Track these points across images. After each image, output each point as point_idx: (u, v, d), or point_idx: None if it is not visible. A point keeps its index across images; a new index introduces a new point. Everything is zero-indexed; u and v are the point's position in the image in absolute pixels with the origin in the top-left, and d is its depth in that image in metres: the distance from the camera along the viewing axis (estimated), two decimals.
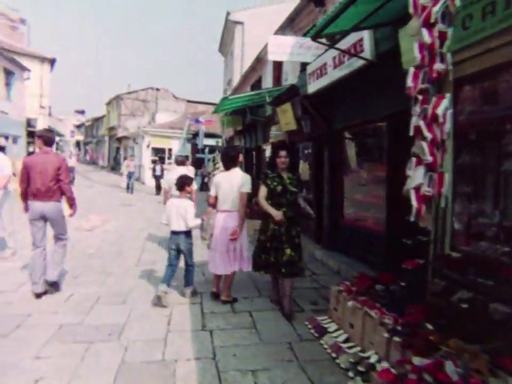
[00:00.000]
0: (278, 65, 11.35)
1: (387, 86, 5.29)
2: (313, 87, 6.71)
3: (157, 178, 20.58)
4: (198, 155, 25.57)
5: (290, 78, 10.06)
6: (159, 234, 9.66)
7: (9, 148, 17.61)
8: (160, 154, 27.22)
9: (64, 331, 4.07)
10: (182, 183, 5.20)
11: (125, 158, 27.90)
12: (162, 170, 20.44)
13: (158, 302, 4.89)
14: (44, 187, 5.03)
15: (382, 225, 6.01)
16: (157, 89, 39.36)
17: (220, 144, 23.88)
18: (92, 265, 6.68)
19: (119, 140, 38.35)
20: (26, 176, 5.04)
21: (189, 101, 38.91)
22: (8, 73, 17.43)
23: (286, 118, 8.67)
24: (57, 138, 45.81)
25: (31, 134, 24.59)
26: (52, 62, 26.25)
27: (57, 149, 40.74)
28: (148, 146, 27.26)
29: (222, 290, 5.14)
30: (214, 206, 5.17)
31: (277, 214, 4.50)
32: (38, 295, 5.04)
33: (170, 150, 27.84)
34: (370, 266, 6.10)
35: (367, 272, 5.06)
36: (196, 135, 26.07)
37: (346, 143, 7.32)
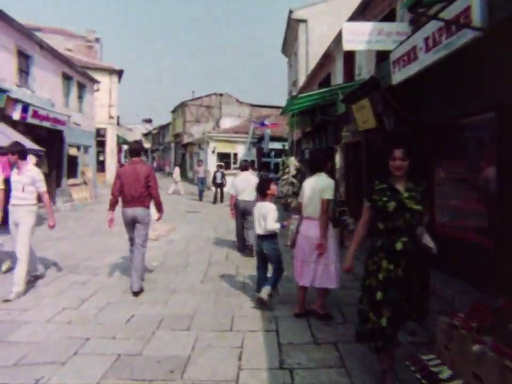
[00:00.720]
0: (349, 59, 10.46)
1: (500, 67, 4.27)
2: (399, 76, 5.76)
3: (218, 186, 18.93)
4: (264, 159, 25.11)
5: (364, 72, 9.14)
6: (227, 244, 9.15)
7: (81, 158, 18.16)
8: (225, 160, 27.13)
9: (121, 363, 3.55)
10: (261, 187, 5.14)
11: (180, 165, 27.30)
12: (223, 177, 18.98)
13: (261, 304, 4.88)
14: (136, 194, 5.57)
15: (489, 235, 4.96)
16: (221, 95, 39.57)
17: (286, 147, 23.22)
18: (155, 281, 6.22)
19: (185, 146, 38.97)
20: (119, 185, 5.66)
21: (252, 105, 38.78)
22: (81, 87, 17.97)
23: (364, 115, 7.77)
24: (126, 147, 47.84)
25: (100, 144, 25.54)
26: (120, 73, 27.07)
27: (125, 156, 42.23)
28: (213, 151, 27.22)
29: (316, 301, 4.76)
30: (299, 211, 4.87)
31: (346, 264, 3.36)
32: (135, 293, 5.51)
33: (235, 155, 27.64)
34: (469, 283, 5.22)
35: (467, 290, 4.08)
36: (261, 139, 25.63)
37: (438, 140, 6.27)
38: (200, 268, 7.02)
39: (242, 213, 8.08)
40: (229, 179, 19.60)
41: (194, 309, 4.99)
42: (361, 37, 6.43)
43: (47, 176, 14.67)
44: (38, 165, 10.79)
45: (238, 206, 8.07)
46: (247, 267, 7.04)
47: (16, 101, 11.49)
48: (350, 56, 10.34)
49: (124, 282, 6.09)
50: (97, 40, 32.95)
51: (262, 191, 5.13)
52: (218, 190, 18.95)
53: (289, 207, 13.07)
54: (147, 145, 67.05)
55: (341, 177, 10.94)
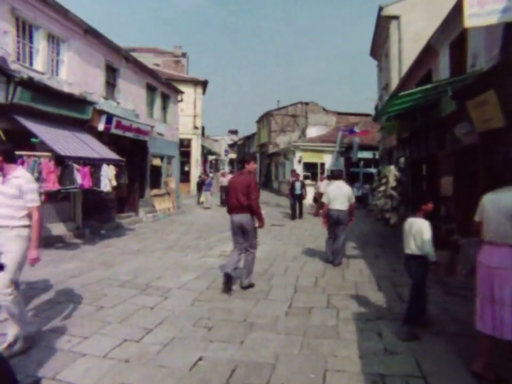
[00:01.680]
0: (459, 49, 8.87)
1: None
2: None
3: (296, 198, 16.31)
4: (352, 169, 23.65)
5: (481, 60, 7.56)
6: (315, 265, 8.06)
7: (164, 168, 18.18)
8: (312, 170, 26.11)
9: None
10: (418, 201, 4.71)
11: (265, 175, 25.51)
12: (303, 187, 16.51)
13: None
14: (238, 202, 5.99)
15: None
16: (306, 103, 38.69)
17: (377, 156, 21.58)
18: (231, 310, 5.30)
19: (270, 156, 38.57)
20: (229, 193, 6.27)
21: (339, 113, 37.52)
22: (165, 97, 18.08)
23: (485, 112, 6.27)
24: (211, 157, 48.76)
25: (185, 154, 25.81)
26: (204, 84, 27.31)
27: (210, 167, 42.95)
28: (300, 161, 26.29)
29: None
30: (478, 234, 3.82)
31: None
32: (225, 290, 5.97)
33: (322, 164, 26.50)
34: None
35: None
36: (349, 147, 24.21)
37: None
38: (285, 295, 5.98)
39: (335, 223, 8.04)
40: (310, 189, 18.43)
41: (275, 354, 3.96)
42: (491, 6, 5.00)
43: (130, 187, 14.75)
44: (118, 175, 10.55)
45: (330, 215, 8.03)
46: (341, 297, 5.90)
47: (101, 112, 11.50)
48: (460, 45, 8.76)
49: (196, 311, 5.28)
50: (183, 54, 34.09)
51: (417, 205, 4.64)
52: (297, 202, 16.43)
53: (387, 223, 11.59)
54: (233, 155, 68.28)
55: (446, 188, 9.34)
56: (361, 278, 7.05)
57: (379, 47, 20.86)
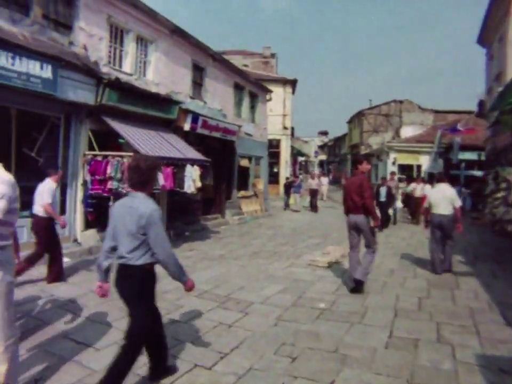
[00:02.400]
0: None
1: None
2: None
3: (382, 206, 13.37)
4: (452, 171, 21.32)
5: None
6: (417, 281, 6.88)
7: (252, 169, 17.76)
8: (407, 172, 24.11)
9: None
10: None
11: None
12: (390, 193, 13.96)
13: None
14: (353, 202, 6.11)
15: None
16: (400, 102, 36.18)
17: (483, 157, 19.14)
18: (319, 336, 4.45)
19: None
20: (344, 194, 6.46)
21: (436, 111, 34.44)
22: (253, 96, 17.68)
23: None
24: (301, 159, 47.94)
25: (274, 155, 25.27)
26: (293, 83, 26.60)
27: (300, 169, 42.15)
28: (394, 163, 24.43)
29: None
30: None
31: None
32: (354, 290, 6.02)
33: (419, 166, 24.38)
34: None
35: None
36: (449, 148, 21.87)
37: None
38: (383, 319, 4.96)
39: (438, 228, 7.53)
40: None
41: None
42: None
43: (217, 188, 14.50)
44: (203, 176, 10.19)
45: (433, 220, 7.58)
46: (454, 328, 4.73)
47: (187, 111, 11.31)
48: None
49: (279, 333, 4.53)
50: (272, 55, 33.90)
51: None
52: (383, 210, 13.53)
53: (508, 236, 9.77)
54: (322, 157, 66.94)
55: None
56: (477, 304, 5.71)
57: (491, 31, 18.43)
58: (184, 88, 12.06)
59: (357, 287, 6.08)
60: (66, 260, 7.71)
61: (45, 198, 6.04)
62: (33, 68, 7.02)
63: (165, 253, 3.06)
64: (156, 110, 9.98)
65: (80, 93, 8.02)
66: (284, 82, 26.27)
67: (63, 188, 8.28)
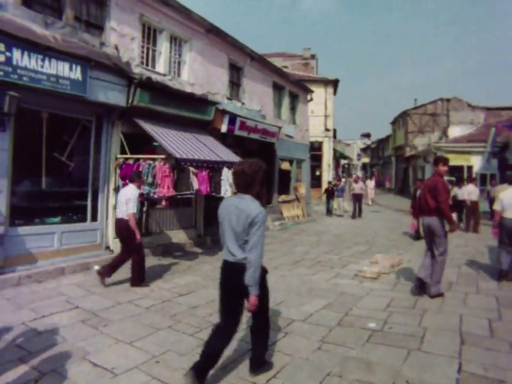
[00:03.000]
0: None
1: None
2: None
3: None
4: (509, 172, 19.67)
5: None
6: (483, 298, 5.97)
7: (293, 172, 17.07)
8: (457, 174, 22.56)
9: None
10: None
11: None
12: None
13: None
14: (426, 205, 5.97)
15: None
16: (448, 100, 34.23)
17: None
18: (371, 365, 3.74)
19: (407, 159, 35.20)
20: (419, 196, 6.40)
21: (488, 108, 32.28)
22: (293, 97, 17.02)
23: None
24: (344, 162, 46.68)
25: (316, 158, 24.42)
26: (335, 83, 25.75)
27: (343, 172, 41.01)
28: None
29: None
30: None
31: None
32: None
33: (470, 168, 22.82)
34: None
35: None
36: (504, 147, 20.24)
37: None
38: (447, 346, 4.15)
39: (509, 234, 6.93)
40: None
41: None
42: None
43: (257, 192, 13.92)
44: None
45: (505, 225, 6.93)
46: None
47: (224, 112, 10.83)
48: None
49: (323, 360, 3.87)
50: (312, 56, 33.24)
51: None
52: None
53: None
54: (365, 160, 65.15)
55: None
56: None
57: None
58: (221, 89, 11.61)
59: (418, 289, 6.11)
60: (97, 268, 7.39)
61: (130, 208, 6.11)
62: (62, 69, 6.75)
63: (258, 255, 3.16)
64: (190, 111, 9.55)
65: (110, 94, 7.70)
66: (325, 82, 25.48)
67: (95, 193, 7.98)
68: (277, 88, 15.52)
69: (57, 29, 7.07)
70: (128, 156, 8.00)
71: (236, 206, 3.26)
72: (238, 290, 3.30)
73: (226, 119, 10.87)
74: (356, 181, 18.78)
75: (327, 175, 26.35)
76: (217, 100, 10.78)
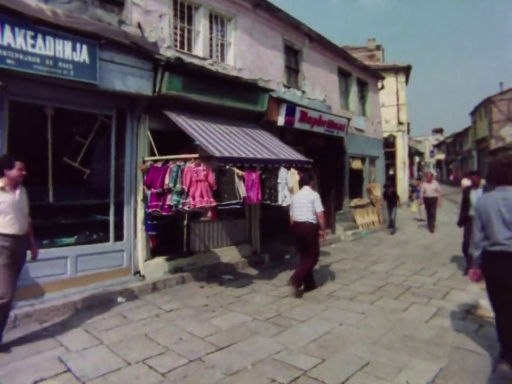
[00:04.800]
0: None
1: None
2: None
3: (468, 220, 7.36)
4: None
5: None
6: None
7: (366, 172, 14.71)
8: None
9: None
10: None
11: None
12: None
13: None
14: None
15: None
16: None
17: None
18: None
19: (493, 152, 31.06)
20: None
21: None
22: (361, 84, 14.72)
23: None
24: (418, 159, 42.78)
25: (387, 155, 21.56)
26: (407, 70, 22.93)
27: (418, 170, 37.46)
28: None
29: None
30: None
31: None
32: None
33: None
34: None
35: None
36: None
37: None
38: None
39: None
40: None
41: None
42: None
43: (324, 197, 11.81)
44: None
45: None
46: None
47: (280, 101, 8.94)
48: None
49: None
50: (378, 47, 30.51)
51: None
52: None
53: None
54: (439, 156, 60.26)
55: None
56: None
57: None
58: (275, 75, 9.72)
59: None
60: (121, 300, 5.79)
61: (319, 206, 6.23)
62: (62, 49, 5.25)
63: None
64: (237, 100, 7.74)
65: (131, 81, 6.09)
66: (395, 70, 22.66)
67: (118, 205, 6.42)
68: (343, 75, 13.32)
69: (61, 3, 5.60)
70: (157, 157, 6.35)
71: (504, 198, 3.42)
72: None
73: (283, 109, 8.95)
74: (429, 180, 13.53)
75: (402, 174, 23.52)
76: (271, 87, 8.91)
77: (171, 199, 5.61)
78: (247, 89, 7.97)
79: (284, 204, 7.01)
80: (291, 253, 9.04)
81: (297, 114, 9.37)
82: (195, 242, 7.52)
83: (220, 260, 7.72)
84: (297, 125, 9.48)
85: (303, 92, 10.76)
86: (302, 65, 10.90)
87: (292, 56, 10.71)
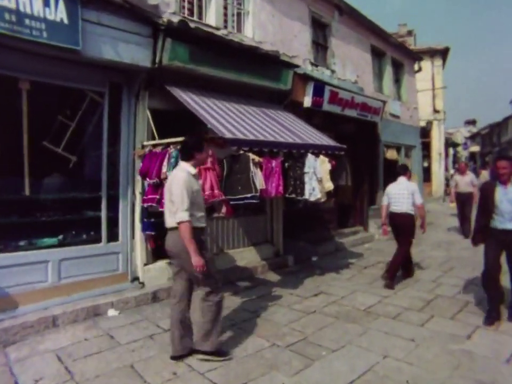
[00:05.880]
0: None
1: None
2: None
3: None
4: None
5: None
6: None
7: (403, 161, 13.29)
8: None
9: None
10: None
11: None
12: None
13: None
14: None
15: None
16: None
17: None
18: None
19: None
20: None
21: None
22: (397, 65, 13.27)
23: None
24: (452, 151, 40.56)
25: (422, 145, 19.87)
26: (444, 53, 21.16)
27: (454, 161, 35.41)
28: None
29: None
30: None
31: None
32: None
33: None
34: None
35: None
36: None
37: None
38: None
39: None
40: None
41: None
42: None
43: (356, 190, 10.62)
44: (336, 172, 6.56)
45: None
46: None
47: (306, 78, 7.74)
48: None
49: None
50: (409, 33, 28.75)
51: None
52: None
53: None
54: (474, 149, 57.47)
55: None
56: None
57: None
58: (301, 51, 8.50)
59: None
60: (113, 314, 4.77)
61: (419, 198, 6.23)
62: (29, 3, 4.18)
63: None
64: (255, 75, 6.57)
65: (124, 48, 5.01)
66: (431, 53, 20.87)
67: (112, 199, 5.38)
68: (376, 54, 11.93)
69: None
70: (157, 141, 5.27)
71: None
72: None
73: (310, 88, 7.73)
74: (462, 171, 10.77)
75: (438, 166, 21.86)
76: (296, 63, 7.71)
77: None
78: (268, 62, 6.77)
79: (312, 198, 5.81)
80: (319, 254, 7.86)
81: (327, 95, 8.13)
82: (207, 243, 6.43)
83: (236, 263, 6.60)
84: (326, 106, 8.24)
85: (333, 71, 9.50)
86: (331, 41, 9.62)
87: (320, 31, 9.45)
